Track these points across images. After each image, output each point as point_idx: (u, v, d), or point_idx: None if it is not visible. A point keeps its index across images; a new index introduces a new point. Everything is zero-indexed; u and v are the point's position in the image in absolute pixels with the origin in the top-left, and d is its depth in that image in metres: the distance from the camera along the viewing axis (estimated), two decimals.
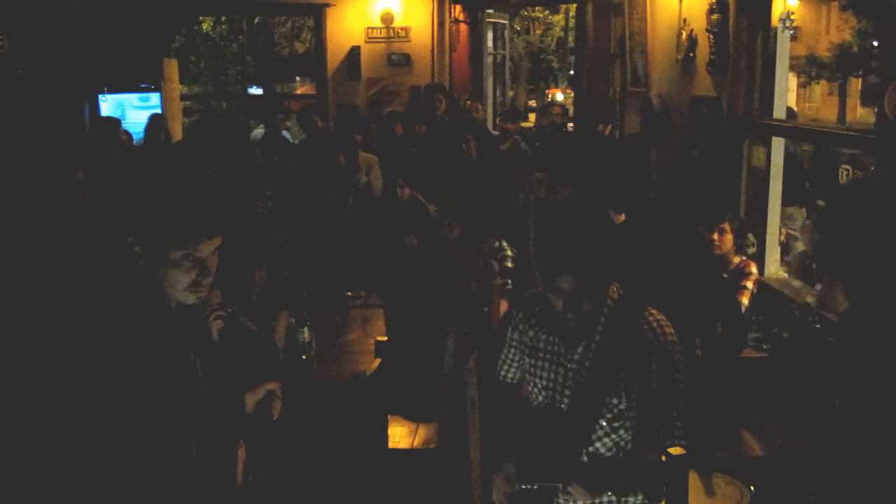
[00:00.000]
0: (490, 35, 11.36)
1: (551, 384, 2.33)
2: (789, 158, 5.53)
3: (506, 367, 2.55)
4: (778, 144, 5.28)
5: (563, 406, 2.30)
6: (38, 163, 5.16)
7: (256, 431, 2.68)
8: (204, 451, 2.30)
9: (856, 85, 26.94)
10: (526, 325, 2.42)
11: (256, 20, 16.18)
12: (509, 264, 5.44)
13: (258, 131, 10.47)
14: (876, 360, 1.72)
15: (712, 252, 4.42)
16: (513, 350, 2.49)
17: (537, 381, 2.37)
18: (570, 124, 10.44)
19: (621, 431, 2.27)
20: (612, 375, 2.20)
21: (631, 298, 2.30)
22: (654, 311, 2.27)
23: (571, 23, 21.64)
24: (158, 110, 9.01)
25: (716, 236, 4.43)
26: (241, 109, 9.45)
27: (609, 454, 2.28)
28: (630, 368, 2.19)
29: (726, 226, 4.44)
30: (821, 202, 5.33)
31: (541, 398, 2.37)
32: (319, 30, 9.90)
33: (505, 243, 5.55)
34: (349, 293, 5.07)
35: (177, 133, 9.22)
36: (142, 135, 7.60)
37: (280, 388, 2.54)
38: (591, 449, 2.29)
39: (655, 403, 2.17)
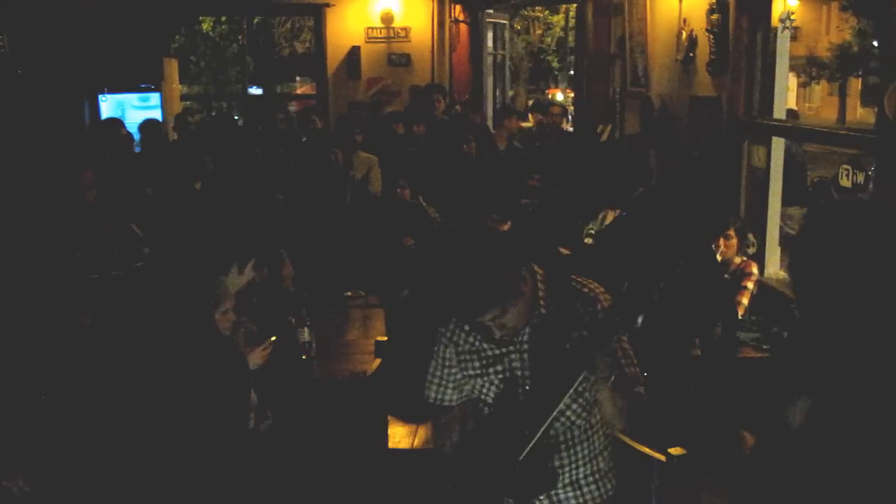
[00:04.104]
0: (490, 35, 11.36)
1: (504, 378, 2.27)
2: (789, 158, 5.53)
3: (441, 388, 2.38)
4: (778, 144, 5.29)
5: (523, 391, 2.25)
6: (40, 163, 5.17)
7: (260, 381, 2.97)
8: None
9: (856, 85, 26.98)
10: (459, 335, 2.32)
11: (256, 20, 16.17)
12: None
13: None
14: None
15: (714, 253, 4.43)
16: (449, 368, 2.35)
17: (486, 381, 2.30)
18: (570, 126, 10.44)
19: (574, 406, 2.23)
20: (565, 340, 2.13)
21: (555, 268, 2.30)
22: (577, 277, 2.31)
23: (571, 23, 21.66)
24: (158, 110, 9.01)
25: (721, 242, 4.46)
26: (240, 110, 9.50)
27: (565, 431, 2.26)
28: (577, 326, 2.16)
29: (731, 231, 4.47)
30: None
31: (490, 399, 2.30)
32: (319, 30, 9.91)
33: None
34: (349, 293, 5.07)
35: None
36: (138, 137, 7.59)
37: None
38: (553, 431, 2.23)
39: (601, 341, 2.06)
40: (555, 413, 2.10)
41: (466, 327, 2.30)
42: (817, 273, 1.65)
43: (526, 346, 2.25)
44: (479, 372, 2.31)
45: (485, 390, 2.31)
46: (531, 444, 2.13)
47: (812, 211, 1.74)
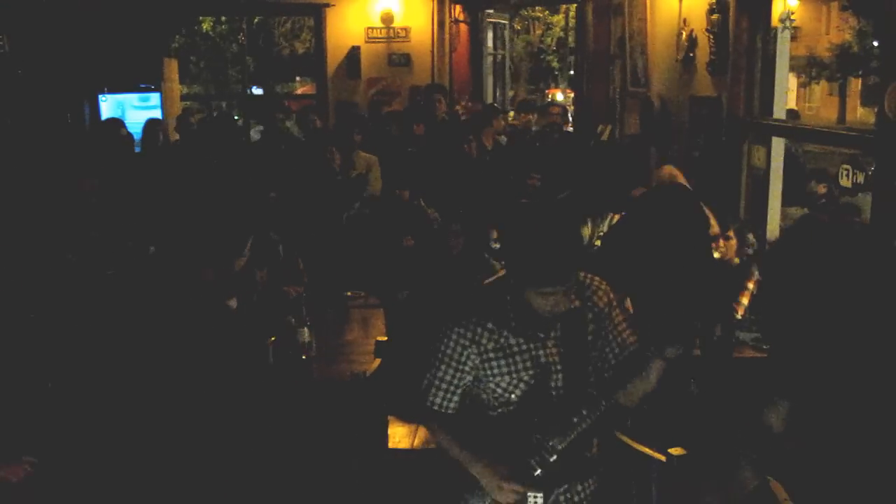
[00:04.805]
0: (490, 35, 11.37)
1: (536, 373, 2.30)
2: (789, 158, 5.54)
3: (448, 395, 2.37)
4: (778, 144, 5.29)
5: (555, 384, 2.32)
6: (40, 165, 5.17)
7: None
8: None
9: (856, 85, 27.01)
10: (482, 334, 2.31)
11: (256, 20, 16.17)
12: None
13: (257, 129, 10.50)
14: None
15: (713, 253, 4.44)
16: (461, 372, 2.34)
17: (514, 379, 2.31)
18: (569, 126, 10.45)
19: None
20: (586, 328, 2.33)
21: None
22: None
23: (571, 23, 21.66)
24: (158, 110, 9.00)
25: (721, 242, 4.45)
26: (240, 110, 9.51)
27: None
28: (600, 318, 2.36)
29: (731, 231, 4.47)
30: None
31: (514, 397, 2.31)
32: (319, 30, 9.90)
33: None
34: (349, 293, 5.07)
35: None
36: (140, 136, 7.59)
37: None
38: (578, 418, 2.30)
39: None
40: (611, 401, 2.26)
41: (490, 325, 2.31)
42: (787, 293, 1.62)
43: (553, 342, 2.31)
44: (504, 370, 2.31)
45: (510, 388, 2.32)
46: (576, 433, 2.27)
47: (783, 235, 1.70)
